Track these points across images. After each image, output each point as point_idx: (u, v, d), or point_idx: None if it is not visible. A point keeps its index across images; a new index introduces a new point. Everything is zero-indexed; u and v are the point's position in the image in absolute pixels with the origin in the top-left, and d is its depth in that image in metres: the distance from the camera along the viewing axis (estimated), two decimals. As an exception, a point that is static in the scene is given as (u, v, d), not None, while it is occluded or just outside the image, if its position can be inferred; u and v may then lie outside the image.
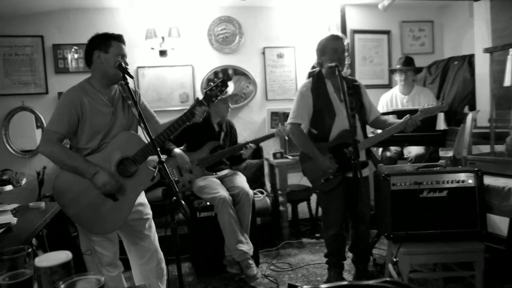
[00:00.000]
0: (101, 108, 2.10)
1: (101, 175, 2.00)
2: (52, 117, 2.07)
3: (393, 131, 2.72)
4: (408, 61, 4.04)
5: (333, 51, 2.72)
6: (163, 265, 2.33)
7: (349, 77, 3.02)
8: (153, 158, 2.05)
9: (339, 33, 2.96)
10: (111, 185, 2.02)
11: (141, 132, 2.15)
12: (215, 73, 4.43)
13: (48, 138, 2.03)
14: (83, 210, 2.06)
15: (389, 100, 4.13)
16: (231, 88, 4.45)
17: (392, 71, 4.52)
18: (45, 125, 3.96)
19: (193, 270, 3.43)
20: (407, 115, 2.68)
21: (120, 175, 2.09)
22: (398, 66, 4.08)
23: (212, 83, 2.16)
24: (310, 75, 2.96)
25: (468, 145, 3.00)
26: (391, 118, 3.56)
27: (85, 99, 2.07)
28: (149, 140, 1.93)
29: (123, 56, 2.10)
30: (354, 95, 2.78)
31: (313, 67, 3.07)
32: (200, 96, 2.25)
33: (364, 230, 2.84)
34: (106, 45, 2.08)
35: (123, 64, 2.05)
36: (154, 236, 2.33)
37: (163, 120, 2.35)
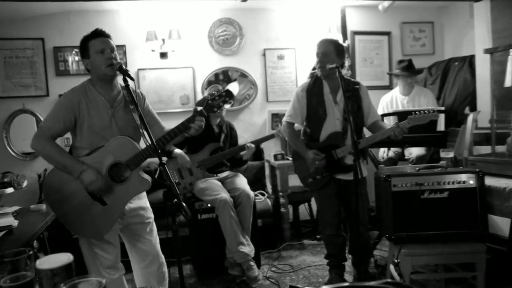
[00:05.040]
0: (99, 108, 2.10)
1: (88, 172, 1.97)
2: (49, 114, 2.08)
3: (379, 137, 2.69)
4: (408, 66, 4.01)
5: (316, 55, 2.82)
6: (165, 269, 2.32)
7: (351, 79, 3.02)
8: (154, 160, 2.04)
9: (328, 37, 2.98)
10: (98, 183, 1.98)
11: (142, 136, 2.15)
12: (216, 75, 4.43)
13: (41, 134, 2.05)
14: (71, 211, 2.05)
15: (389, 102, 4.13)
16: (235, 89, 4.45)
17: (391, 75, 4.52)
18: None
19: (195, 272, 3.43)
20: (395, 122, 2.66)
21: (111, 179, 2.06)
22: (397, 71, 4.07)
23: (215, 92, 2.08)
24: (311, 75, 2.97)
25: (469, 146, 3.00)
26: (392, 120, 3.58)
27: (84, 99, 2.07)
28: (148, 144, 1.92)
29: (103, 50, 2.05)
30: (352, 97, 2.79)
31: (314, 68, 3.08)
32: (201, 97, 2.22)
33: (362, 232, 2.84)
34: (85, 50, 2.09)
35: (117, 66, 2.04)
36: (156, 240, 2.31)
37: (164, 122, 2.35)
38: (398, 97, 4.09)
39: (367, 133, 2.96)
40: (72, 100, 2.06)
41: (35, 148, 2.05)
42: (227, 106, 3.73)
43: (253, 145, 3.44)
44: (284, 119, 2.99)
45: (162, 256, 2.32)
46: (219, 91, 2.06)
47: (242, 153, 3.44)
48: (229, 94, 2.04)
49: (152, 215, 2.32)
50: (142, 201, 2.28)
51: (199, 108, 2.05)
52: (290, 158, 4.19)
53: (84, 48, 2.10)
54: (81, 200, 2.04)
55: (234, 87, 4.44)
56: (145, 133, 1.92)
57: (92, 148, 2.08)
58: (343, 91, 2.48)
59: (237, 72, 4.49)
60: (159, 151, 1.91)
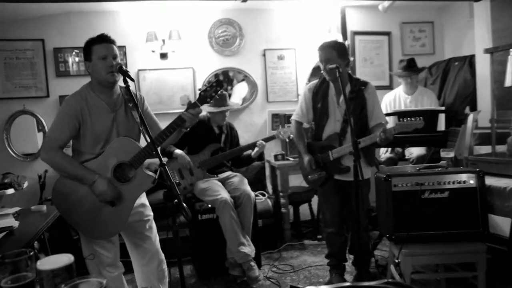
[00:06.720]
0: (101, 113, 2.11)
1: (100, 183, 2.01)
2: (53, 124, 2.10)
3: (368, 142, 2.68)
4: (407, 66, 4.00)
5: (320, 61, 2.82)
6: (164, 266, 2.34)
7: (360, 79, 2.93)
8: (154, 161, 2.05)
9: (327, 40, 2.93)
10: (108, 195, 2.03)
11: (143, 137, 2.16)
12: (216, 76, 4.43)
13: (49, 145, 2.07)
14: (83, 216, 2.07)
15: (392, 100, 4.13)
16: (244, 90, 4.45)
17: (393, 75, 4.51)
18: (46, 128, 3.98)
19: (195, 272, 3.43)
20: (383, 128, 2.60)
21: (117, 180, 2.09)
22: (399, 71, 4.06)
23: (206, 84, 2.13)
24: (320, 76, 2.96)
25: (469, 145, 2.99)
26: (392, 119, 3.58)
27: (85, 105, 2.08)
28: (147, 141, 1.94)
29: (105, 57, 2.05)
30: (356, 98, 2.78)
31: (314, 69, 3.07)
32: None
33: (361, 233, 2.83)
34: (88, 53, 2.09)
35: (116, 67, 2.04)
36: (155, 237, 2.34)
37: (164, 123, 2.35)
38: (402, 96, 4.09)
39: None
40: (74, 107, 2.07)
41: (45, 160, 2.07)
42: (236, 102, 3.70)
43: (264, 143, 3.45)
44: (293, 117, 3.08)
45: (162, 254, 2.35)
46: (210, 82, 2.10)
47: (254, 151, 3.46)
48: (219, 83, 2.10)
49: (151, 213, 2.35)
50: (141, 198, 2.29)
51: (193, 101, 2.09)
52: (291, 159, 4.20)
53: (87, 51, 2.10)
54: (91, 204, 2.06)
55: (242, 87, 4.45)
56: (145, 132, 1.94)
57: (95, 152, 2.10)
58: (342, 91, 2.47)
59: (240, 73, 4.49)
60: (159, 147, 1.95)
